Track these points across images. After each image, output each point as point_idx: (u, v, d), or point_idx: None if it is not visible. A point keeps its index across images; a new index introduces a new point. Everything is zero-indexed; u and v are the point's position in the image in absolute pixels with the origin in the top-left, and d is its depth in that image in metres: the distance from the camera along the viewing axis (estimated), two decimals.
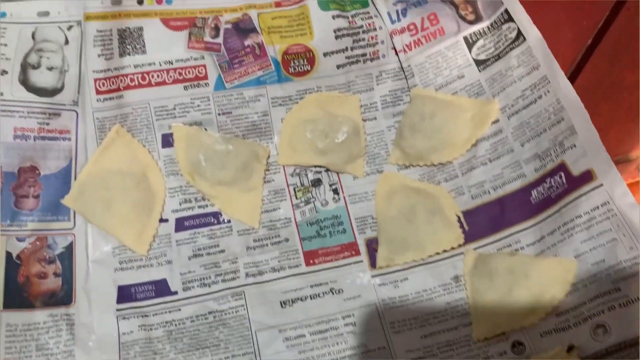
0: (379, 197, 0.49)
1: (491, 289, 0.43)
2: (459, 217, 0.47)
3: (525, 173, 0.46)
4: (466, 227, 0.47)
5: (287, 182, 0.50)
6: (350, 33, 0.50)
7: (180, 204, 0.48)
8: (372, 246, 0.47)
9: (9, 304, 0.42)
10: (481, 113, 0.49)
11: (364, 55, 0.51)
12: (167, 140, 0.49)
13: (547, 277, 0.42)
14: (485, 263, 0.44)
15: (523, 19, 0.48)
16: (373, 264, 0.47)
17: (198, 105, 0.49)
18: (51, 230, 0.46)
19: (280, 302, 0.45)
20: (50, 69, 0.46)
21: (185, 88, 0.49)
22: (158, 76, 0.48)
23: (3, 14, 0.47)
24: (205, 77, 0.49)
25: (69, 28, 0.47)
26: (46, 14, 0.47)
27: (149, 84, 0.48)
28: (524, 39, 0.48)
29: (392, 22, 0.51)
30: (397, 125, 0.51)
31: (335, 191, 0.49)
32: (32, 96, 0.46)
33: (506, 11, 0.49)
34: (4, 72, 0.45)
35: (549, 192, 0.45)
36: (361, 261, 0.47)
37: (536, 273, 0.42)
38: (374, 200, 0.49)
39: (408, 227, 0.47)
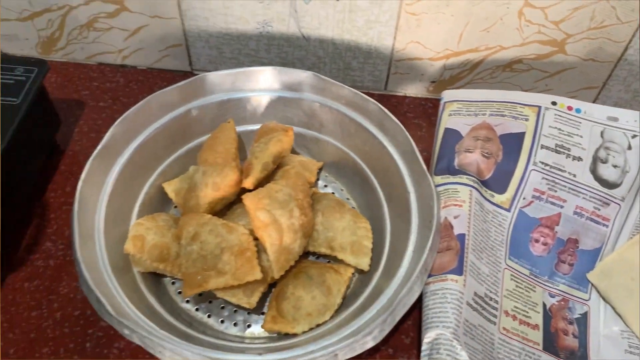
0: None
1: None
2: None
3: None
4: None
5: None
6: None
7: None
8: None
9: (546, 347, 0.50)
10: None
11: None
12: None
13: None
14: None
15: None
16: None
17: None
18: (572, 296, 0.54)
19: None
20: (614, 166, 0.55)
21: None
22: None
23: (578, 110, 0.57)
24: None
25: (633, 137, 0.55)
26: (615, 119, 0.56)
27: None
28: None
29: None
30: None
31: None
32: (596, 184, 0.55)
33: None
34: (580, 158, 0.55)
35: None
36: None
37: None
38: None
39: None
